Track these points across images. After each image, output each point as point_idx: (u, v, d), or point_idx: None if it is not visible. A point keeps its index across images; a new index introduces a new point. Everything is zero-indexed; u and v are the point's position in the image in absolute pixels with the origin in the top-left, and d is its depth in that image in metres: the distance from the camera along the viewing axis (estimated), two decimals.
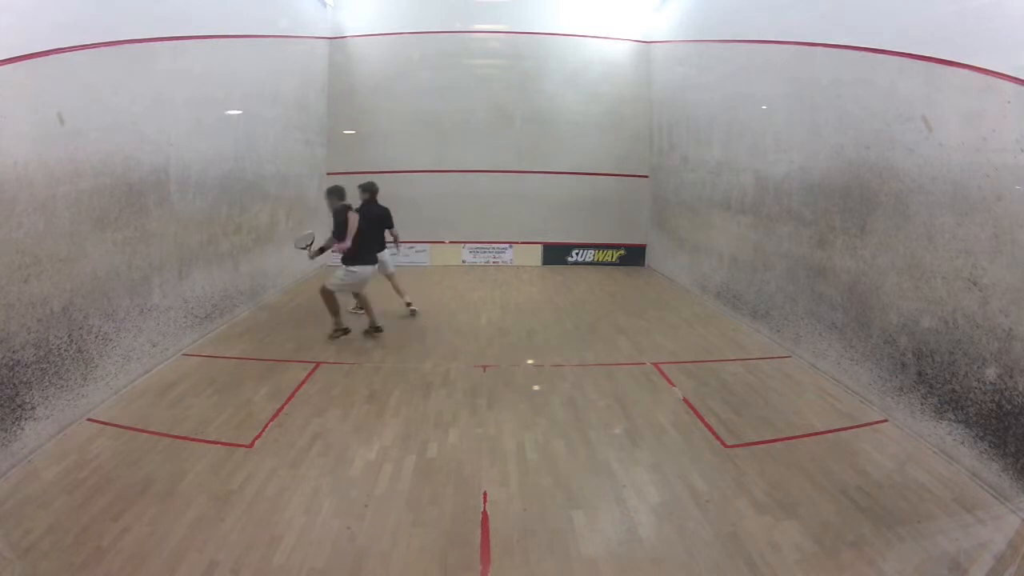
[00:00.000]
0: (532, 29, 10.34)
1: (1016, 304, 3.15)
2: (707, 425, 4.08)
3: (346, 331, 6.02)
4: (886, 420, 4.11)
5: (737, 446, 3.77)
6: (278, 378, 4.86)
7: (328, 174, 10.28)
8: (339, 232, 5.81)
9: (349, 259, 5.87)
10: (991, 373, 3.29)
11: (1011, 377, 3.16)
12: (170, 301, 5.26)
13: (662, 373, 5.11)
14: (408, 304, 6.90)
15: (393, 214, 6.74)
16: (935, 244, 3.77)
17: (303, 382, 4.79)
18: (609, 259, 10.76)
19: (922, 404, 3.85)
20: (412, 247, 10.45)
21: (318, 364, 5.19)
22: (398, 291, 6.95)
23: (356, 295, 6.32)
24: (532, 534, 2.87)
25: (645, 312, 7.38)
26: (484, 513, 3.03)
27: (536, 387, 4.82)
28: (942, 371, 3.69)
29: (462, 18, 10.30)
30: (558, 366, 5.31)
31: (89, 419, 3.96)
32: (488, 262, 10.49)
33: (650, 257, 10.70)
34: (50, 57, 3.70)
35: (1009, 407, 3.17)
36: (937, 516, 3.01)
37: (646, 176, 10.61)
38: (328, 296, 5.91)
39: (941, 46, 3.70)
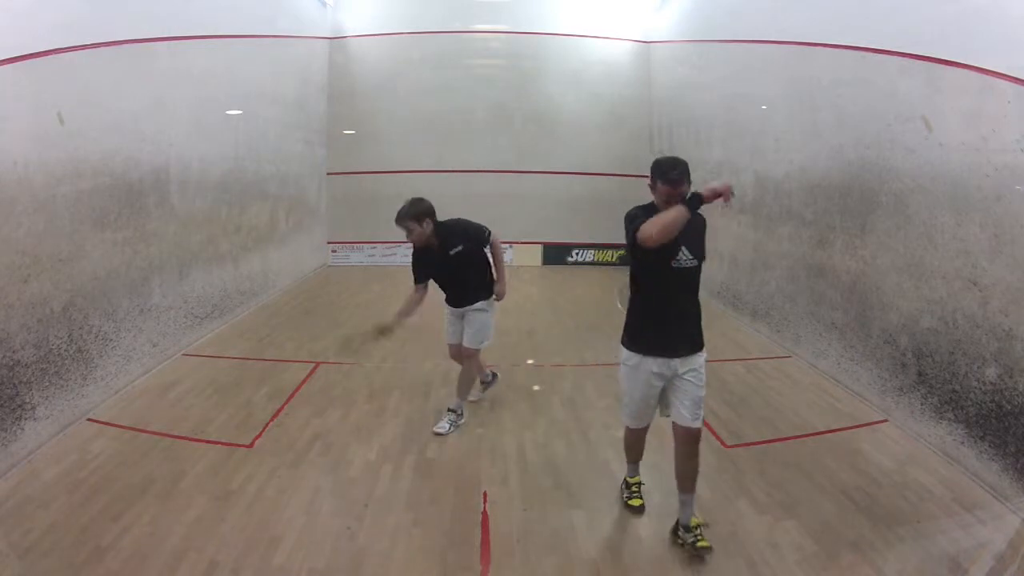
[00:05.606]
0: (532, 29, 10.33)
1: (1016, 304, 3.14)
2: (707, 425, 4.07)
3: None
4: (886, 420, 4.10)
5: (737, 446, 3.77)
6: (278, 378, 4.86)
7: (328, 174, 10.29)
8: None
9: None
10: (991, 373, 3.29)
11: (1011, 377, 3.15)
12: (170, 301, 5.26)
13: None
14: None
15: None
16: (935, 244, 3.77)
17: (303, 382, 4.79)
18: (609, 259, 10.74)
19: (922, 404, 3.84)
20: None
21: (318, 364, 5.18)
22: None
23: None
24: (532, 534, 2.86)
25: None
26: (484, 513, 3.03)
27: (536, 387, 4.82)
28: (942, 371, 3.68)
29: (462, 18, 10.29)
30: (558, 366, 5.31)
31: (89, 419, 3.96)
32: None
33: None
34: (50, 57, 3.70)
35: (1009, 407, 3.16)
36: (937, 516, 3.00)
37: (646, 176, 10.58)
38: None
39: (941, 46, 3.69)
